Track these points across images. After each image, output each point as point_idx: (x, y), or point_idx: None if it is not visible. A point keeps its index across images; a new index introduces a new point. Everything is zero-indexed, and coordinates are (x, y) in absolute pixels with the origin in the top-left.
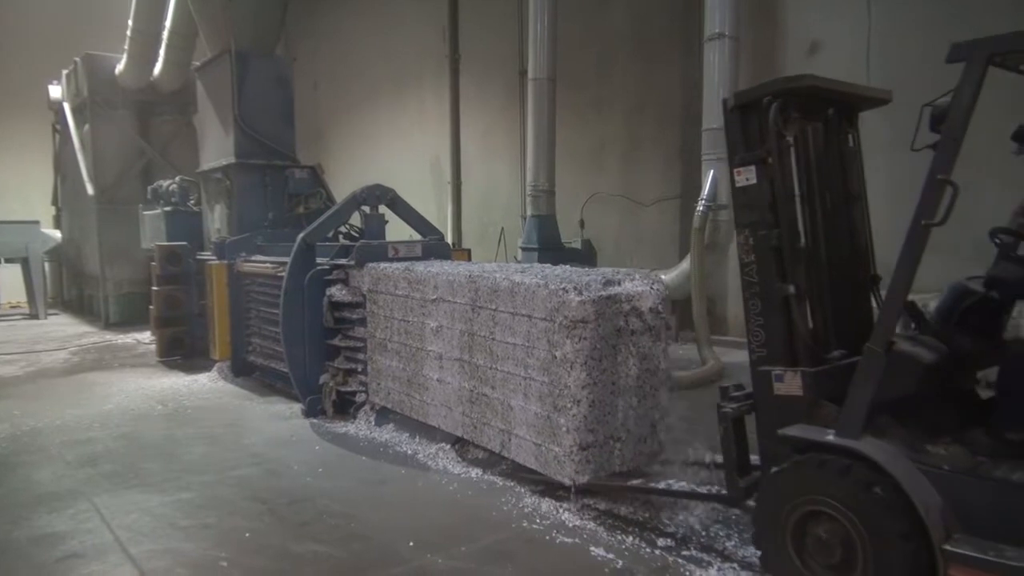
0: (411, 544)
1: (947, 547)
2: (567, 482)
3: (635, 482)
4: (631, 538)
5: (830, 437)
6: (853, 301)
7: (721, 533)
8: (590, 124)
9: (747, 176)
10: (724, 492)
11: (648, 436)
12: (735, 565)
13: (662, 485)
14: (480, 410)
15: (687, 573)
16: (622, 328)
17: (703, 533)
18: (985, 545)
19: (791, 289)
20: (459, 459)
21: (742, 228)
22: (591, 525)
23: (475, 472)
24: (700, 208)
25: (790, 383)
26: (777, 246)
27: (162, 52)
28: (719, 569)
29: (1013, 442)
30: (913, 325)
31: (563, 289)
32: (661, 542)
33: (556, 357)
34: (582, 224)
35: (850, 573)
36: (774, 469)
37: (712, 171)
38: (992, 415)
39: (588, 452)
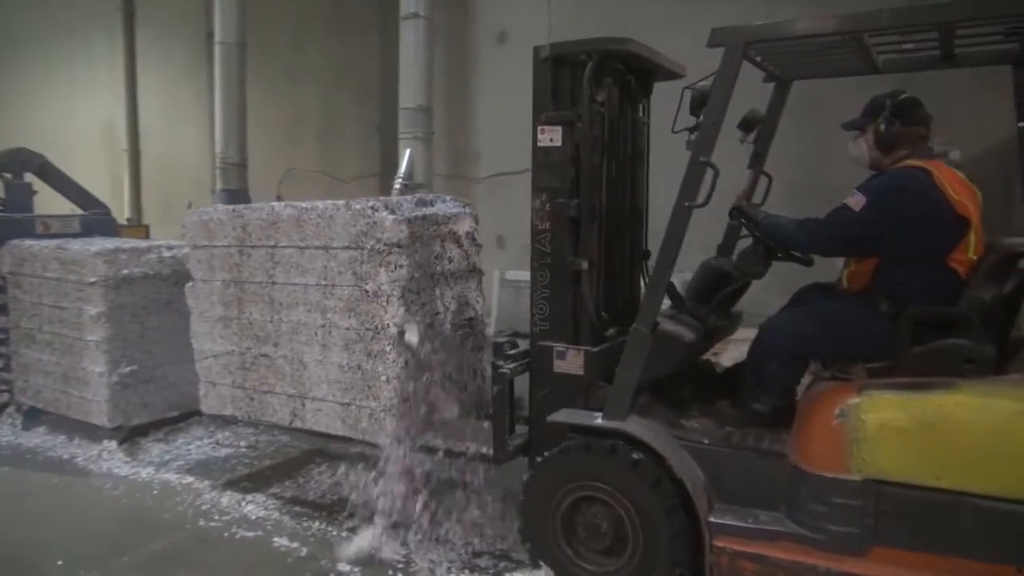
0: (60, 562)
1: (712, 519)
2: (387, 443)
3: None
4: (318, 523)
5: (598, 420)
6: (629, 277)
7: None
8: (285, 95)
9: (551, 136)
10: (489, 451)
11: (469, 382)
12: None
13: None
14: (260, 376)
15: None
16: (439, 255)
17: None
18: (744, 513)
19: (584, 264)
20: (128, 459)
21: (539, 192)
22: (276, 515)
23: (147, 472)
24: (397, 186)
25: (572, 361)
26: (575, 217)
27: None
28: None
29: (759, 412)
30: (670, 304)
31: (372, 208)
32: (348, 523)
33: (368, 292)
34: (279, 200)
35: (621, 555)
36: (539, 458)
37: (408, 150)
38: (741, 388)
39: (409, 404)
